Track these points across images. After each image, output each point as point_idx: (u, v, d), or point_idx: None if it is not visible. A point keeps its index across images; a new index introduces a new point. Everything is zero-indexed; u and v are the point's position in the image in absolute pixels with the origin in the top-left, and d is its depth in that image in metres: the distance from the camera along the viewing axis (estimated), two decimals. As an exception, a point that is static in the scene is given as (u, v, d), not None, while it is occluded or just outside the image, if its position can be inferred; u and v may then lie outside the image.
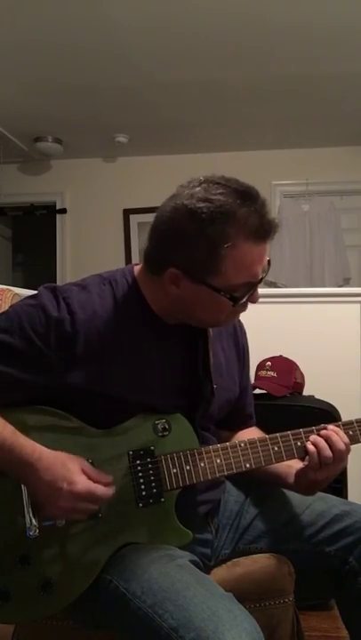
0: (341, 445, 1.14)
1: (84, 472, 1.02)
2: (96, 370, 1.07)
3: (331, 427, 1.16)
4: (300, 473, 1.18)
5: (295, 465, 1.19)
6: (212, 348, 1.20)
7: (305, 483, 1.18)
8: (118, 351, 1.09)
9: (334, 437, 1.14)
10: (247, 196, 1.02)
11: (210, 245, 1.00)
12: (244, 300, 1.06)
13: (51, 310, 1.06)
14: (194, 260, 1.03)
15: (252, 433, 1.32)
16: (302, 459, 1.17)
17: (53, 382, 1.07)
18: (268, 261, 1.08)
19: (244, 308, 1.11)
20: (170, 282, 1.06)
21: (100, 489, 1.02)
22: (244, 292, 1.05)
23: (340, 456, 1.14)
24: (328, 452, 1.13)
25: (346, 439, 1.15)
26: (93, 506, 1.03)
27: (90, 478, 1.02)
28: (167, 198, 1.07)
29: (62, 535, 1.05)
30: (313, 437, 1.15)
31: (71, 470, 1.00)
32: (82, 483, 1.00)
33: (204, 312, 1.09)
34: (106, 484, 1.03)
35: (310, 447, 1.14)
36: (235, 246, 1.00)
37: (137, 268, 1.17)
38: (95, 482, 1.02)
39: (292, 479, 1.21)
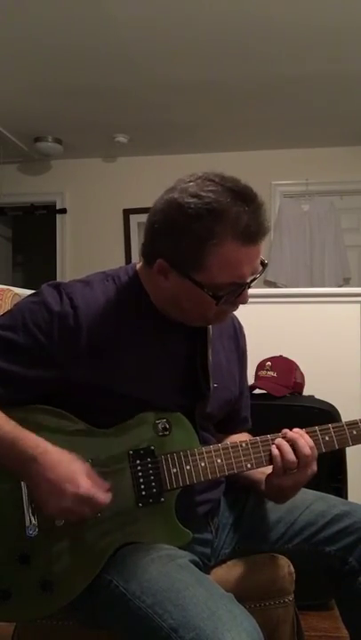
0: (307, 450, 1.10)
1: (89, 477, 1.01)
2: (99, 364, 1.08)
3: (296, 430, 1.13)
4: (267, 480, 1.15)
5: (267, 471, 1.16)
6: (213, 347, 1.20)
7: (272, 490, 1.15)
8: (121, 346, 1.10)
9: (300, 442, 1.11)
10: (241, 196, 1.01)
11: (195, 241, 1.00)
12: (231, 300, 1.05)
13: (53, 306, 1.07)
14: (180, 254, 1.03)
15: (242, 438, 1.28)
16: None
17: (57, 378, 1.07)
18: (264, 263, 1.07)
19: (232, 307, 1.10)
20: (158, 272, 1.07)
21: (101, 495, 1.01)
22: (230, 292, 1.04)
23: (305, 461, 1.10)
24: (292, 457, 1.10)
25: (311, 443, 1.11)
26: (90, 510, 1.01)
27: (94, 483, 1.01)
28: (165, 190, 1.07)
29: (62, 534, 1.05)
30: (278, 440, 1.12)
31: (77, 472, 1.00)
32: (86, 486, 0.99)
33: (190, 307, 1.09)
34: (105, 491, 1.02)
35: (274, 451, 1.11)
36: (220, 245, 1.00)
37: (139, 266, 1.17)
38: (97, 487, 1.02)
39: (263, 486, 1.18)
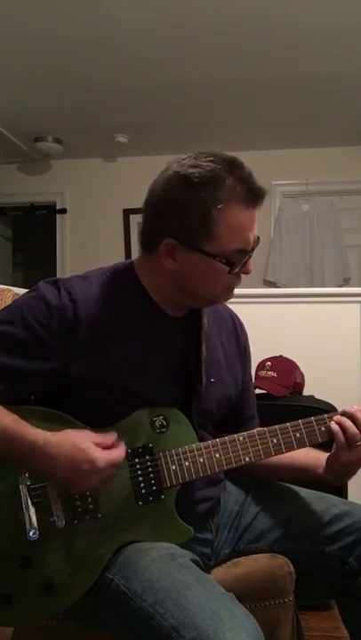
0: None
1: (97, 444, 1.02)
2: (97, 357, 1.08)
3: (356, 407, 1.16)
4: (331, 458, 1.18)
5: (323, 456, 1.19)
6: (211, 342, 1.20)
7: (338, 467, 1.17)
8: (118, 339, 1.10)
9: (359, 414, 1.14)
10: (235, 164, 1.06)
11: (203, 209, 1.03)
12: (239, 267, 1.08)
13: (51, 299, 1.08)
14: (188, 227, 1.05)
15: None
16: (316, 445, 1.16)
17: (57, 372, 1.07)
18: (258, 238, 1.10)
19: (237, 279, 1.12)
20: (166, 254, 1.08)
21: (116, 454, 1.03)
22: (238, 259, 1.07)
23: None
24: (354, 430, 1.13)
25: None
26: (115, 468, 1.04)
27: (103, 447, 1.03)
28: (159, 174, 1.10)
29: (63, 536, 1.05)
30: (337, 417, 1.15)
31: (85, 449, 1.00)
32: (101, 457, 1.00)
33: (201, 283, 1.10)
34: (117, 444, 1.05)
35: (334, 427, 1.14)
36: (226, 209, 1.03)
37: (136, 259, 1.18)
38: (109, 447, 1.03)
39: (321, 469, 1.20)
